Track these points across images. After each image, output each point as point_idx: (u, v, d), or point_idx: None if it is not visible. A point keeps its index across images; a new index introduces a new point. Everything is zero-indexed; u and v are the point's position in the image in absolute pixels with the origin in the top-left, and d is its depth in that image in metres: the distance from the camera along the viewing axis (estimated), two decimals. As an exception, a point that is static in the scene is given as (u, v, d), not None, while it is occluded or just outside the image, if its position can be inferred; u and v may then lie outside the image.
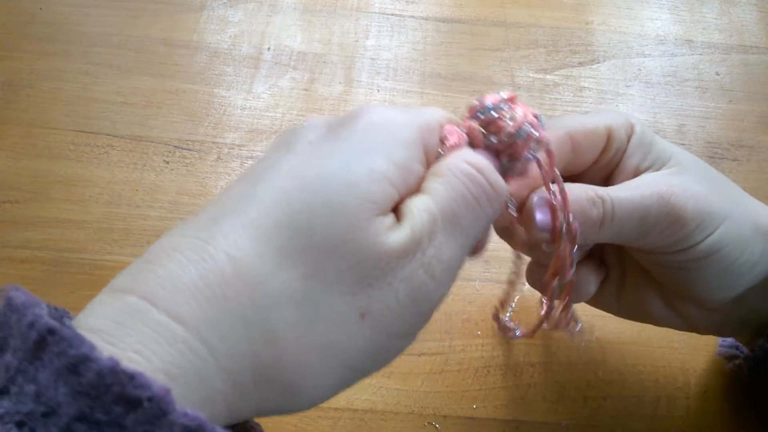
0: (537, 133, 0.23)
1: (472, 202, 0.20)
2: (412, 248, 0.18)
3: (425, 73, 0.54)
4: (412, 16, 0.58)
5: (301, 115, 0.50)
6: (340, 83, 0.52)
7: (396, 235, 0.18)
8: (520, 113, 0.23)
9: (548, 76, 0.54)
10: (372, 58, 0.54)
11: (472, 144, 0.23)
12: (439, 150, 0.22)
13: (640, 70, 0.55)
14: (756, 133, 0.51)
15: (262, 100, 0.51)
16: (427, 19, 0.58)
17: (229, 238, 0.17)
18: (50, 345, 0.14)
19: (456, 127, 0.23)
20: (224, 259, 0.16)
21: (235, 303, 0.16)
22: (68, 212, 0.43)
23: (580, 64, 0.55)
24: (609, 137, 0.27)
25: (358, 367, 0.18)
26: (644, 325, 0.34)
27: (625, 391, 0.38)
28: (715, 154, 0.50)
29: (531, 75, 0.54)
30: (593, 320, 0.40)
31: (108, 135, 0.48)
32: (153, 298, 0.16)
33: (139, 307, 0.16)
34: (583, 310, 0.40)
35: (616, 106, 0.52)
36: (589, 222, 0.24)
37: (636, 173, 0.27)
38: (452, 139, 0.22)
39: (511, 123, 0.23)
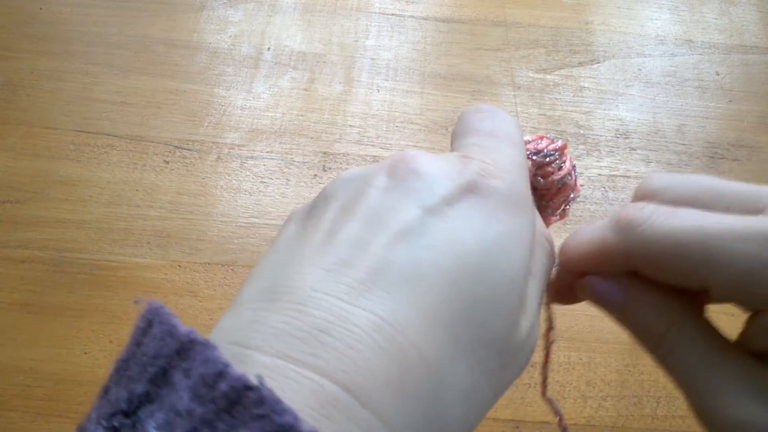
0: (574, 184, 0.24)
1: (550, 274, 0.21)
2: (531, 331, 0.19)
3: (425, 73, 0.54)
4: (412, 16, 0.58)
5: (301, 115, 0.50)
6: (340, 83, 0.52)
7: (525, 327, 0.18)
8: (567, 164, 0.24)
9: (548, 76, 0.54)
10: (372, 58, 0.54)
11: None
12: None
13: (640, 70, 0.55)
14: (756, 133, 0.51)
15: (262, 100, 0.51)
16: (427, 19, 0.58)
17: (412, 324, 0.16)
18: (247, 404, 0.12)
19: None
20: (414, 353, 0.16)
21: (424, 402, 0.16)
22: (68, 212, 0.43)
23: (580, 64, 0.55)
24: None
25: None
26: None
27: (625, 390, 0.38)
28: (715, 154, 0.50)
29: (531, 75, 0.54)
30: (593, 321, 0.40)
31: (108, 135, 0.48)
32: (355, 390, 0.14)
33: (340, 397, 0.14)
34: (583, 310, 0.40)
35: (616, 106, 0.52)
36: None
37: None
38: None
39: (559, 172, 0.24)
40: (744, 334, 0.19)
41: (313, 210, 0.19)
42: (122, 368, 0.14)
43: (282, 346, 0.14)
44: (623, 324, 0.22)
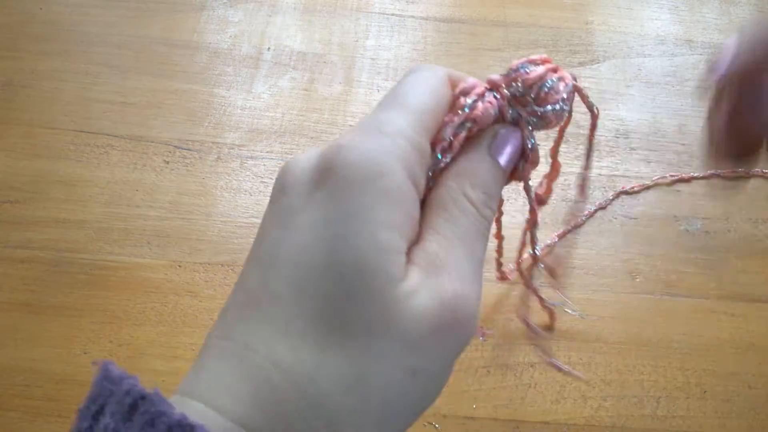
0: (561, 86, 0.22)
1: (483, 233, 0.20)
2: (440, 306, 0.18)
3: (425, 73, 0.54)
4: (412, 16, 0.58)
5: (301, 115, 0.50)
6: (340, 83, 0.52)
7: (423, 301, 0.18)
8: (542, 69, 0.22)
9: (548, 76, 0.54)
10: (372, 58, 0.54)
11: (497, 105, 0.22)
12: (453, 115, 0.20)
13: (640, 70, 0.55)
14: (756, 133, 0.51)
15: (262, 100, 0.51)
16: (427, 19, 0.58)
17: (267, 343, 0.17)
18: (140, 408, 0.16)
19: (478, 86, 0.22)
20: (269, 367, 0.17)
21: (292, 405, 0.17)
22: (68, 212, 0.43)
23: (580, 64, 0.55)
24: None
25: (412, 420, 0.19)
26: (644, 325, 0.34)
27: (625, 391, 0.38)
28: (715, 154, 0.50)
29: (531, 75, 0.54)
30: (593, 322, 0.40)
31: (108, 135, 0.48)
32: (217, 406, 0.17)
33: (206, 413, 0.17)
34: (583, 310, 0.40)
35: (616, 106, 0.52)
36: None
37: None
38: (476, 110, 0.20)
39: (550, 102, 0.22)
40: None
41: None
42: (78, 415, 0.17)
43: (183, 386, 0.18)
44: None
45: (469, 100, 0.20)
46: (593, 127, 0.24)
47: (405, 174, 0.18)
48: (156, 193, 0.45)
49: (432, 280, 0.18)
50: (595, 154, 0.49)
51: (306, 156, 0.20)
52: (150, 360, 0.37)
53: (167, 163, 0.46)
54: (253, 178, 0.46)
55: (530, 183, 0.23)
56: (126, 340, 0.38)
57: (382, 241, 0.18)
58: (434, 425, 0.36)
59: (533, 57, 0.22)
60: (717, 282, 0.42)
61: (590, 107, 0.23)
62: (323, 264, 0.18)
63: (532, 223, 0.26)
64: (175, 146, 0.47)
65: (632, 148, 0.50)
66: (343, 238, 0.18)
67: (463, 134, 0.20)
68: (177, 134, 0.48)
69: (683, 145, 0.50)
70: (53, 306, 0.39)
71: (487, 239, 0.20)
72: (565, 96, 0.22)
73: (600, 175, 0.48)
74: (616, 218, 0.45)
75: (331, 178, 0.18)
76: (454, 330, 0.18)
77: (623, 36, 0.57)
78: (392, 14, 0.58)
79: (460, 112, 0.20)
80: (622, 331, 0.40)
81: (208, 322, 0.39)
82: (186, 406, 0.16)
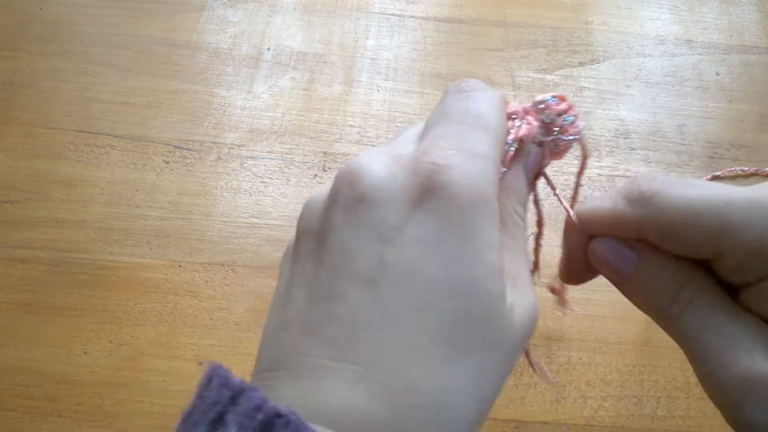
0: (579, 123, 0.25)
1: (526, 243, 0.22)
2: (527, 316, 0.19)
3: (425, 73, 0.54)
4: (412, 16, 0.58)
5: (301, 115, 0.50)
6: (340, 83, 0.52)
7: (518, 313, 0.19)
8: (565, 105, 0.25)
9: (548, 76, 0.54)
10: (372, 58, 0.54)
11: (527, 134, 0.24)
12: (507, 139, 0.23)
13: (640, 70, 0.55)
14: (756, 133, 0.51)
15: (262, 100, 0.51)
16: (427, 19, 0.58)
17: (394, 363, 0.17)
18: (278, 428, 0.15)
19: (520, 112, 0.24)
20: (401, 387, 0.17)
21: (424, 423, 0.17)
22: (68, 212, 0.43)
23: (580, 64, 0.55)
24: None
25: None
26: (644, 325, 0.34)
27: (625, 390, 0.38)
28: (715, 154, 0.50)
29: (531, 75, 0.54)
30: (593, 321, 0.40)
31: (108, 135, 0.48)
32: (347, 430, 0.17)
33: None
34: (583, 310, 0.40)
35: (616, 106, 0.52)
36: None
37: None
38: (522, 131, 0.23)
39: (567, 134, 0.25)
40: (748, 301, 0.19)
41: (295, 253, 0.20)
42: (187, 418, 0.16)
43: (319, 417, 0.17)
44: (631, 289, 0.22)
45: (517, 123, 0.23)
46: (583, 167, 0.27)
47: (495, 197, 0.19)
48: (156, 193, 0.45)
49: (516, 292, 0.19)
50: (595, 153, 0.49)
51: (379, 162, 0.19)
52: (150, 360, 0.37)
53: (167, 163, 0.46)
54: (253, 178, 0.46)
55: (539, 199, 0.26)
56: (126, 340, 0.38)
57: (492, 263, 0.18)
58: (434, 425, 0.36)
59: (556, 94, 0.25)
60: (717, 282, 0.42)
61: (584, 148, 0.26)
62: (442, 285, 0.18)
63: (538, 235, 0.28)
64: (175, 146, 0.47)
65: (632, 148, 0.50)
66: (459, 260, 0.18)
67: (512, 152, 0.22)
68: (177, 134, 0.48)
69: (683, 145, 0.50)
70: (53, 306, 0.39)
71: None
72: (579, 132, 0.24)
73: (600, 175, 0.48)
74: (616, 218, 0.45)
75: (435, 198, 0.18)
76: (532, 333, 0.20)
77: (623, 36, 0.57)
78: (392, 14, 0.58)
79: (511, 132, 0.23)
80: (622, 331, 0.40)
81: (208, 322, 0.39)
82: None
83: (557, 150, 0.24)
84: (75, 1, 0.56)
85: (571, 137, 0.24)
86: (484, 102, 0.21)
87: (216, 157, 0.47)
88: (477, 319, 0.18)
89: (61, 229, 0.42)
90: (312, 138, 0.49)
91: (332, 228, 0.19)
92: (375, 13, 0.58)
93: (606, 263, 0.22)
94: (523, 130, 0.23)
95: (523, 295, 0.19)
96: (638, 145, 0.50)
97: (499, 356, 0.18)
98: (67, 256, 0.41)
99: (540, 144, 0.24)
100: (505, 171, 0.22)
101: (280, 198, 0.45)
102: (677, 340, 0.21)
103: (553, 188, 0.26)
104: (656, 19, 0.59)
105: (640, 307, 0.22)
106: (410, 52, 0.55)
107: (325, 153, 0.48)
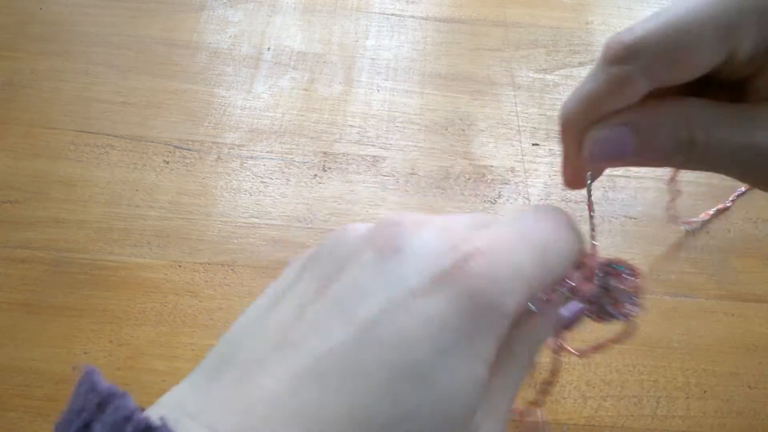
0: (635, 308, 0.23)
1: (523, 380, 0.21)
2: None
3: (425, 73, 0.54)
4: (412, 16, 0.58)
5: (301, 115, 0.50)
6: (340, 83, 0.52)
7: None
8: (638, 283, 0.24)
9: (548, 76, 0.54)
10: (372, 58, 0.54)
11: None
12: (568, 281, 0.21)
13: (640, 70, 0.55)
14: (756, 133, 0.51)
15: (262, 100, 0.51)
16: (427, 19, 0.58)
17: (335, 419, 0.16)
18: None
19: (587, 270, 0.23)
20: None
21: None
22: (68, 212, 0.43)
23: (580, 64, 0.55)
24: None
25: None
26: (644, 325, 0.34)
27: (625, 391, 0.38)
28: (715, 154, 0.50)
29: (531, 75, 0.54)
30: (593, 321, 0.40)
31: (108, 135, 0.48)
32: None
33: None
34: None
35: (616, 106, 0.52)
36: None
37: None
38: (581, 288, 0.22)
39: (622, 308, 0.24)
40: (760, 90, 0.20)
41: (307, 266, 0.20)
42: (57, 427, 0.16)
43: (212, 419, 0.15)
44: (643, 158, 0.21)
45: (577, 275, 0.22)
46: (616, 341, 0.26)
47: (511, 315, 0.18)
48: (156, 193, 0.45)
49: (487, 416, 0.18)
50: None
51: (431, 232, 0.19)
52: (150, 360, 0.37)
53: (167, 163, 0.46)
54: (253, 178, 0.46)
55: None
56: (126, 340, 0.38)
57: (476, 373, 0.17)
58: (434, 425, 0.36)
59: (631, 265, 0.24)
60: (717, 282, 0.42)
61: (629, 328, 0.25)
62: (419, 371, 0.17)
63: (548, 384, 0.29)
64: (175, 146, 0.47)
65: (632, 148, 0.49)
66: (447, 355, 0.17)
67: (554, 297, 0.21)
68: (177, 134, 0.48)
69: (683, 145, 0.50)
70: (53, 306, 0.39)
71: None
72: (631, 314, 0.23)
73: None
74: (616, 218, 0.45)
75: (459, 283, 0.17)
76: None
77: (623, 36, 0.57)
78: (392, 14, 0.58)
79: (573, 282, 0.21)
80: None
81: (208, 322, 0.39)
82: None
83: (598, 315, 0.23)
84: (75, 1, 0.56)
85: (619, 316, 0.23)
86: (562, 239, 0.20)
87: (216, 157, 0.47)
88: (442, 422, 0.16)
89: (61, 229, 0.42)
90: (312, 138, 0.49)
91: (356, 264, 0.18)
92: (375, 13, 0.58)
93: (608, 153, 0.21)
94: (582, 288, 0.22)
95: (493, 422, 0.18)
96: (638, 145, 0.50)
97: None
98: (67, 256, 0.41)
99: (588, 302, 0.23)
100: (538, 311, 0.21)
101: (280, 198, 0.45)
102: (712, 170, 0.21)
103: (557, 363, 0.25)
104: (656, 19, 0.59)
105: (659, 166, 0.22)
106: (410, 52, 0.55)
107: (325, 153, 0.48)
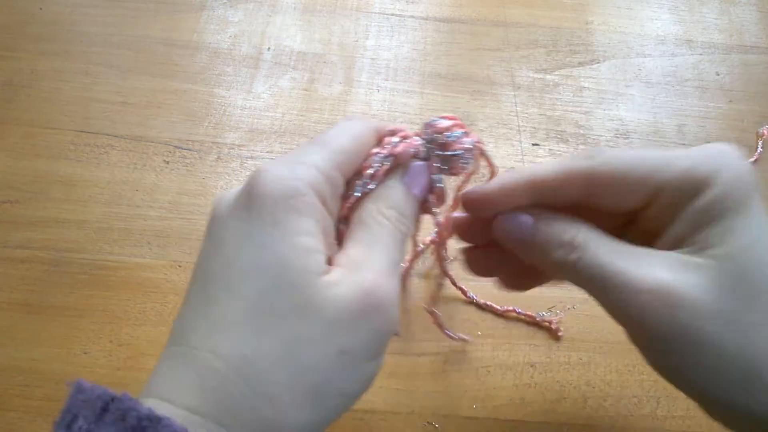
0: (465, 140, 0.27)
1: (397, 243, 0.24)
2: (359, 293, 0.22)
3: (425, 73, 0.54)
4: (412, 16, 0.58)
5: (301, 115, 0.50)
6: (340, 83, 0.52)
7: (343, 289, 0.21)
8: (448, 123, 0.27)
9: (548, 76, 0.54)
10: (372, 58, 0.54)
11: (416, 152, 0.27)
12: (380, 150, 0.25)
13: (640, 70, 0.55)
14: (756, 133, 0.51)
15: (262, 100, 0.51)
16: (427, 19, 0.58)
17: (208, 338, 0.21)
18: (110, 408, 0.18)
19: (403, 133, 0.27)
20: (212, 358, 0.20)
21: (234, 387, 0.20)
22: (68, 212, 0.43)
23: (580, 64, 0.55)
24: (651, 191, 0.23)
25: (347, 402, 0.23)
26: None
27: (625, 391, 0.38)
28: (715, 154, 0.50)
29: (531, 75, 0.54)
30: (593, 321, 0.40)
31: (108, 135, 0.48)
32: (171, 399, 0.20)
33: (162, 406, 0.19)
34: (583, 310, 0.40)
35: (616, 106, 0.52)
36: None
37: (674, 243, 0.23)
38: (398, 148, 0.25)
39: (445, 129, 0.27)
40: (667, 244, 0.23)
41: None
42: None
43: (149, 388, 0.21)
44: (534, 249, 0.25)
45: (394, 140, 0.26)
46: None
47: (314, 194, 0.22)
48: (156, 193, 0.45)
49: (353, 274, 0.22)
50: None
51: (235, 188, 0.23)
52: (150, 360, 0.37)
53: (167, 163, 0.46)
54: (253, 178, 0.46)
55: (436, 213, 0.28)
56: (126, 340, 0.38)
57: (299, 243, 0.21)
58: (434, 425, 0.36)
59: (444, 114, 0.27)
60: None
61: (491, 166, 0.29)
62: (251, 267, 0.21)
63: (438, 244, 0.32)
64: (175, 146, 0.47)
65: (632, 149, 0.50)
66: (266, 245, 0.21)
67: (386, 166, 0.25)
68: (177, 134, 0.48)
69: (683, 145, 0.50)
70: (53, 306, 0.39)
71: (402, 249, 0.24)
72: (466, 146, 0.26)
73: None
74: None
75: (251, 199, 0.22)
76: (373, 314, 0.21)
77: (623, 36, 0.57)
78: (392, 14, 0.58)
79: (386, 148, 0.25)
80: (622, 331, 0.39)
81: (208, 322, 0.39)
82: (145, 403, 0.19)
83: (451, 165, 0.26)
84: (75, 1, 0.56)
85: (453, 152, 0.26)
86: (340, 128, 0.25)
87: (216, 157, 0.47)
88: (282, 290, 0.20)
89: (61, 229, 0.42)
90: (312, 138, 0.49)
91: (200, 250, 0.24)
92: (375, 13, 0.58)
93: (510, 233, 0.26)
94: (398, 148, 0.25)
95: (361, 278, 0.22)
96: (638, 145, 0.50)
97: (316, 325, 0.20)
98: (67, 256, 0.41)
99: (425, 160, 0.26)
100: (380, 182, 0.25)
101: (280, 198, 0.45)
102: (584, 285, 0.24)
103: (438, 227, 0.28)
104: (656, 19, 0.59)
105: (544, 266, 0.26)
106: (410, 52, 0.55)
107: (325, 153, 0.48)
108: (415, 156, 0.26)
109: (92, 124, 0.48)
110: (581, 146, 0.49)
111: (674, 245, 0.23)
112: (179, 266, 0.41)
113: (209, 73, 0.52)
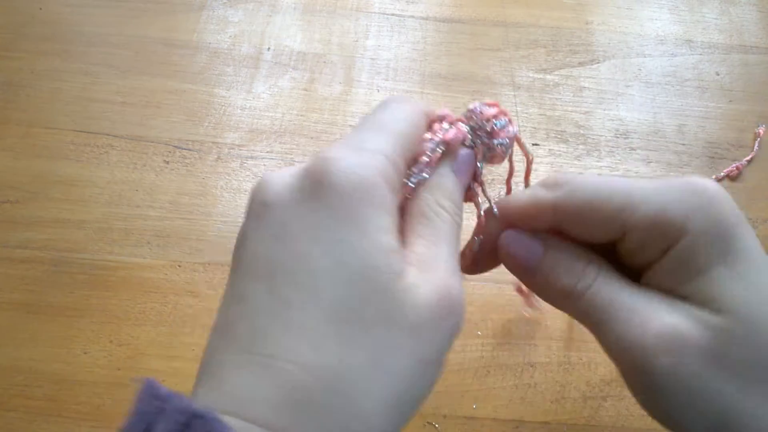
0: (510, 128, 0.26)
1: (456, 236, 0.23)
2: (437, 295, 0.20)
3: (425, 73, 0.54)
4: (412, 16, 0.58)
5: (301, 115, 0.50)
6: (340, 83, 0.52)
7: (423, 291, 0.20)
8: (495, 110, 0.26)
9: (548, 76, 0.54)
10: (372, 58, 0.54)
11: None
12: (432, 136, 0.24)
13: (640, 70, 0.55)
14: (756, 133, 0.51)
15: (262, 100, 0.51)
16: (427, 19, 0.58)
17: (289, 348, 0.18)
18: (193, 426, 0.16)
19: (450, 119, 0.26)
20: (296, 370, 0.18)
21: (322, 401, 0.18)
22: (68, 212, 0.43)
23: (580, 64, 0.55)
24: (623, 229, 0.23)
25: (419, 406, 0.21)
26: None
27: (625, 391, 0.37)
28: (715, 154, 0.50)
29: (531, 75, 0.54)
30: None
31: (108, 135, 0.48)
32: (254, 418, 0.18)
33: (246, 428, 0.17)
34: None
35: (616, 106, 0.52)
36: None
37: (666, 287, 0.23)
38: (449, 134, 0.24)
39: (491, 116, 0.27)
40: (652, 282, 0.23)
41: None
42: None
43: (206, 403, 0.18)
44: (539, 277, 0.24)
45: (445, 125, 0.25)
46: (528, 172, 0.29)
47: (386, 185, 0.20)
48: (156, 193, 0.45)
49: (426, 274, 0.20)
50: (595, 153, 0.49)
51: (285, 171, 0.21)
52: (150, 360, 0.37)
53: (167, 163, 0.46)
54: (253, 178, 0.46)
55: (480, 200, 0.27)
56: (126, 340, 0.38)
57: (383, 243, 0.20)
58: (434, 425, 0.36)
59: (487, 101, 0.27)
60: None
61: (527, 154, 0.28)
62: (330, 267, 0.19)
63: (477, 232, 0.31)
64: (175, 146, 0.47)
65: (632, 148, 0.50)
66: (347, 243, 0.19)
67: (438, 153, 0.24)
68: (177, 134, 0.48)
69: (683, 145, 0.50)
70: (53, 306, 0.39)
71: (459, 241, 0.23)
72: (511, 135, 0.26)
73: (600, 175, 0.48)
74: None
75: (322, 189, 0.20)
76: (450, 316, 0.20)
77: (623, 36, 0.57)
78: (392, 14, 0.58)
79: (438, 134, 0.24)
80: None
81: (208, 322, 0.39)
82: (228, 422, 0.17)
83: (493, 153, 0.26)
84: (75, 1, 0.56)
85: (500, 140, 0.26)
86: (394, 110, 0.23)
87: (216, 157, 0.47)
88: (367, 295, 0.19)
89: (61, 229, 0.42)
90: (312, 138, 0.49)
91: (245, 238, 0.21)
92: (375, 13, 0.58)
93: (514, 257, 0.25)
94: (450, 134, 0.24)
95: (436, 279, 0.20)
96: (638, 145, 0.50)
97: (401, 332, 0.19)
98: (67, 256, 0.41)
99: (471, 147, 0.26)
100: (432, 170, 0.24)
101: (280, 198, 0.45)
102: (586, 317, 0.24)
103: (484, 191, 0.27)
104: (656, 19, 0.59)
105: (546, 295, 0.25)
106: (410, 52, 0.55)
107: (325, 153, 0.48)
108: (463, 143, 0.26)
109: (92, 124, 0.48)
110: (581, 146, 0.49)
111: (666, 289, 0.23)
112: (179, 266, 0.41)
113: (209, 73, 0.52)
